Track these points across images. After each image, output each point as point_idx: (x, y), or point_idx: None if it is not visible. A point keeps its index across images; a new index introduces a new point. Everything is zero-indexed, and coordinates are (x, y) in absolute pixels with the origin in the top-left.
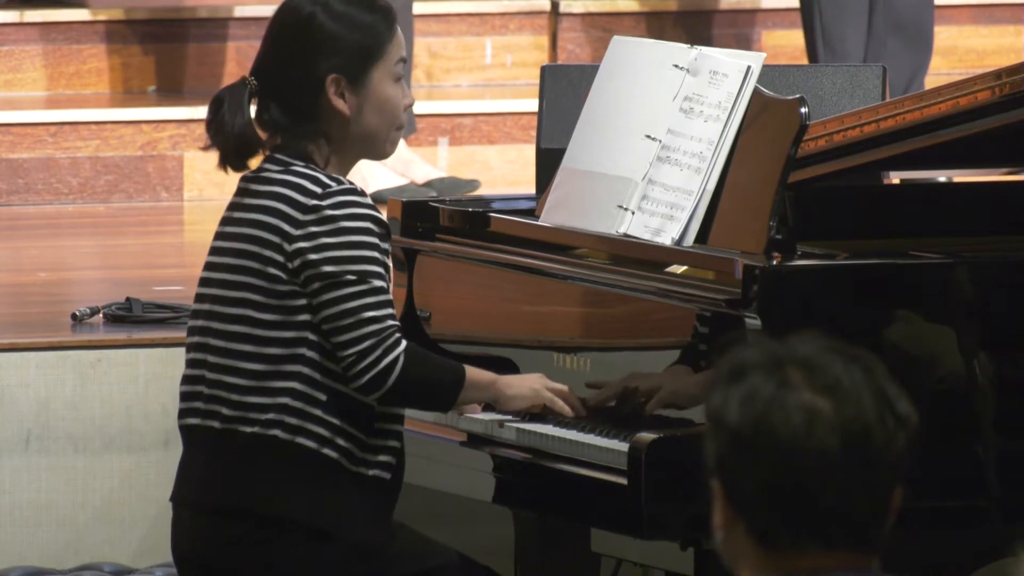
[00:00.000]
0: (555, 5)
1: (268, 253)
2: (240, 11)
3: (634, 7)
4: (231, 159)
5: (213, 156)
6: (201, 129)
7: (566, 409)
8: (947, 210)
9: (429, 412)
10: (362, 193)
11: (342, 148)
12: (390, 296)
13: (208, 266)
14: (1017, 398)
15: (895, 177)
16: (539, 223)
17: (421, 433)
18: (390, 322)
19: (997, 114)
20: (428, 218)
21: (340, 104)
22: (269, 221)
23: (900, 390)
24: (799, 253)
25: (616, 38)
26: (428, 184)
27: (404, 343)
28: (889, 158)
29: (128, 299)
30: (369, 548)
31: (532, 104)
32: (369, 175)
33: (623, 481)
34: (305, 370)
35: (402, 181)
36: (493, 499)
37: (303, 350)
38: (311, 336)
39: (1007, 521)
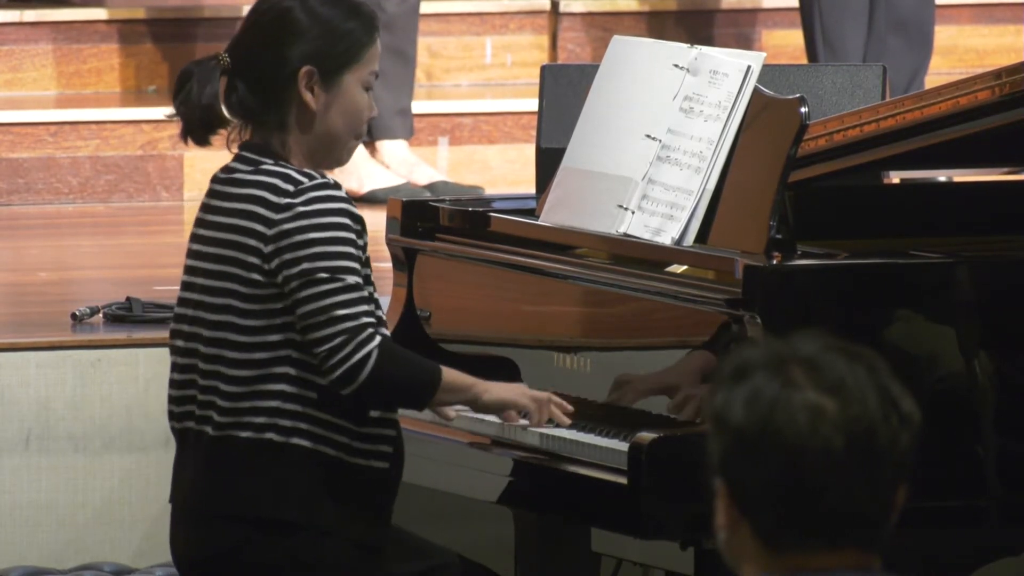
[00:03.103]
0: (555, 5)
1: (250, 259)
2: (246, 11)
3: (634, 6)
4: (195, 132)
5: (213, 156)
6: None
7: (542, 420)
8: (947, 210)
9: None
10: (336, 186)
11: (303, 146)
12: (365, 292)
13: (188, 270)
14: (1017, 398)
15: (895, 177)
16: (539, 223)
17: (421, 433)
18: (364, 319)
19: (997, 114)
20: (428, 218)
21: (308, 98)
22: (246, 225)
23: (903, 388)
24: (799, 253)
25: (616, 37)
26: (430, 187)
27: (378, 339)
28: (889, 158)
29: (128, 299)
30: (372, 543)
31: (532, 104)
32: (366, 174)
33: (623, 481)
34: (293, 371)
35: (399, 181)
36: (493, 499)
37: (289, 351)
38: (296, 337)
39: (1007, 521)
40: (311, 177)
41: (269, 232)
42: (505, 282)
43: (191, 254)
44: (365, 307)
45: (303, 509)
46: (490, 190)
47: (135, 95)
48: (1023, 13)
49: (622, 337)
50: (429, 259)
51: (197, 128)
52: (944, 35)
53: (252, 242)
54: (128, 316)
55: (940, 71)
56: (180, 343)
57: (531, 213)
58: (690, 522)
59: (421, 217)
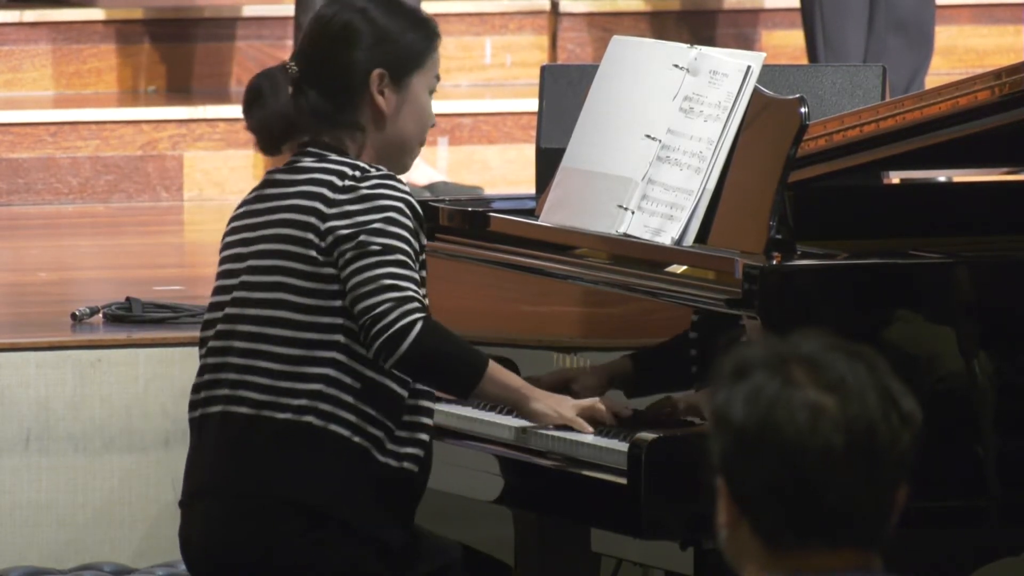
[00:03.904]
0: (555, 5)
1: (309, 236)
2: (247, 11)
3: (635, 7)
4: (271, 142)
5: (213, 156)
6: (201, 129)
7: (588, 428)
8: (947, 210)
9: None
10: (401, 181)
11: (376, 148)
12: (416, 275)
13: (232, 257)
14: (1017, 398)
15: (895, 177)
16: (539, 223)
17: None
18: (411, 292)
19: (997, 114)
20: (428, 218)
21: (381, 101)
22: (308, 205)
23: (904, 387)
24: (799, 253)
25: (616, 37)
26: (429, 187)
27: (424, 312)
28: (889, 158)
29: (128, 299)
30: (388, 544)
31: (532, 104)
32: None
33: (623, 481)
34: (339, 356)
35: None
36: (493, 499)
37: (337, 336)
38: (345, 322)
39: (1007, 521)
40: (378, 169)
41: (329, 211)
42: (505, 282)
43: (239, 243)
44: (414, 284)
45: (332, 498)
46: (490, 190)
47: (134, 95)
48: (1023, 13)
49: (622, 337)
50: (429, 259)
51: (273, 137)
52: (944, 35)
53: (312, 220)
54: (128, 316)
55: (940, 71)
56: (219, 327)
57: (531, 213)
58: (690, 522)
59: None
